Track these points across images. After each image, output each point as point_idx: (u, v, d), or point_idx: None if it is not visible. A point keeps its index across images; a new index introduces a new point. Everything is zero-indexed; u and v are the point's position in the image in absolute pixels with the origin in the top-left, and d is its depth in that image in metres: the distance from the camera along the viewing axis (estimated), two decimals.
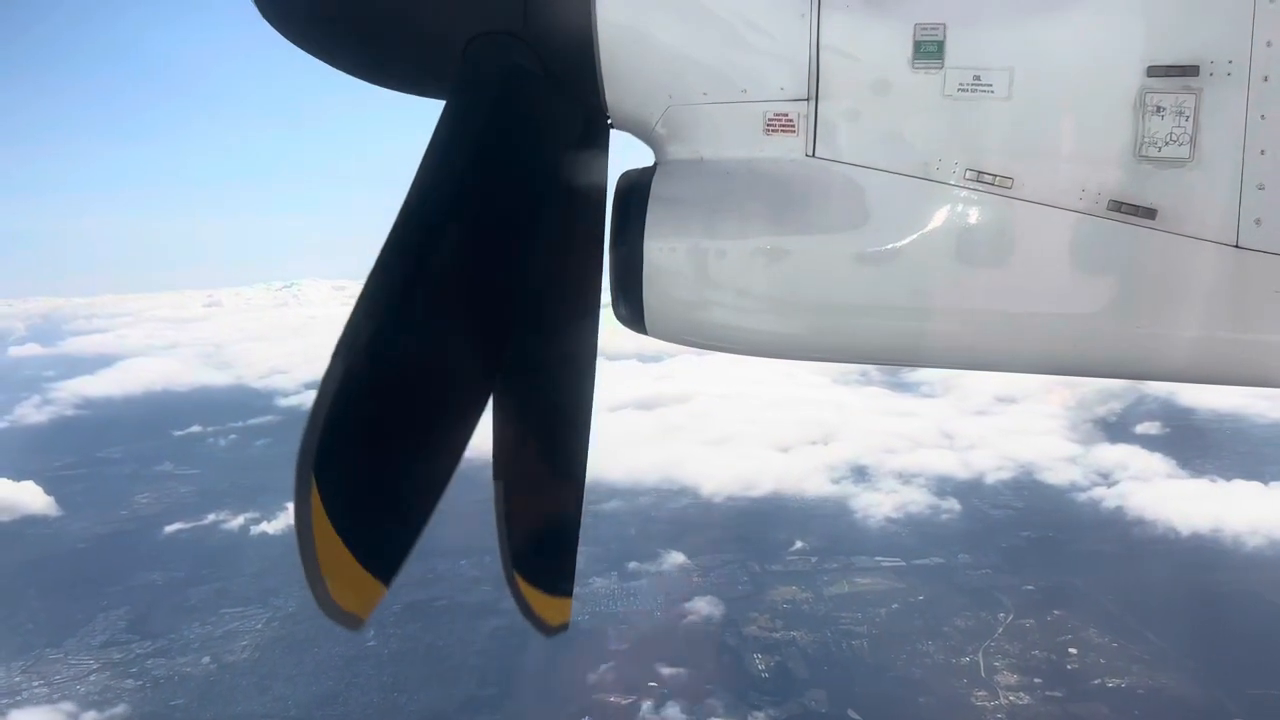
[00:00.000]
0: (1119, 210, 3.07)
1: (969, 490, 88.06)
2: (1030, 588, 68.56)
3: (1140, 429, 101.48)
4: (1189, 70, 2.96)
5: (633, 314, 3.46)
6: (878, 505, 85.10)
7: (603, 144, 3.58)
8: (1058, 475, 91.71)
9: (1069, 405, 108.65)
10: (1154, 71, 2.98)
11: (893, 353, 3.50)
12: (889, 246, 3.22)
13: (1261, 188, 2.98)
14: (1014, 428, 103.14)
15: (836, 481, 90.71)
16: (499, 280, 3.17)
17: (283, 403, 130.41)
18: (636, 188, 3.42)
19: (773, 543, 77.21)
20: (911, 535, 79.24)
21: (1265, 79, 2.93)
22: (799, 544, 76.85)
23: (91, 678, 62.12)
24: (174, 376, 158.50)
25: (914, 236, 3.20)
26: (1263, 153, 2.97)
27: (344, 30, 3.53)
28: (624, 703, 56.41)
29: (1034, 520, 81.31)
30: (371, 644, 61.95)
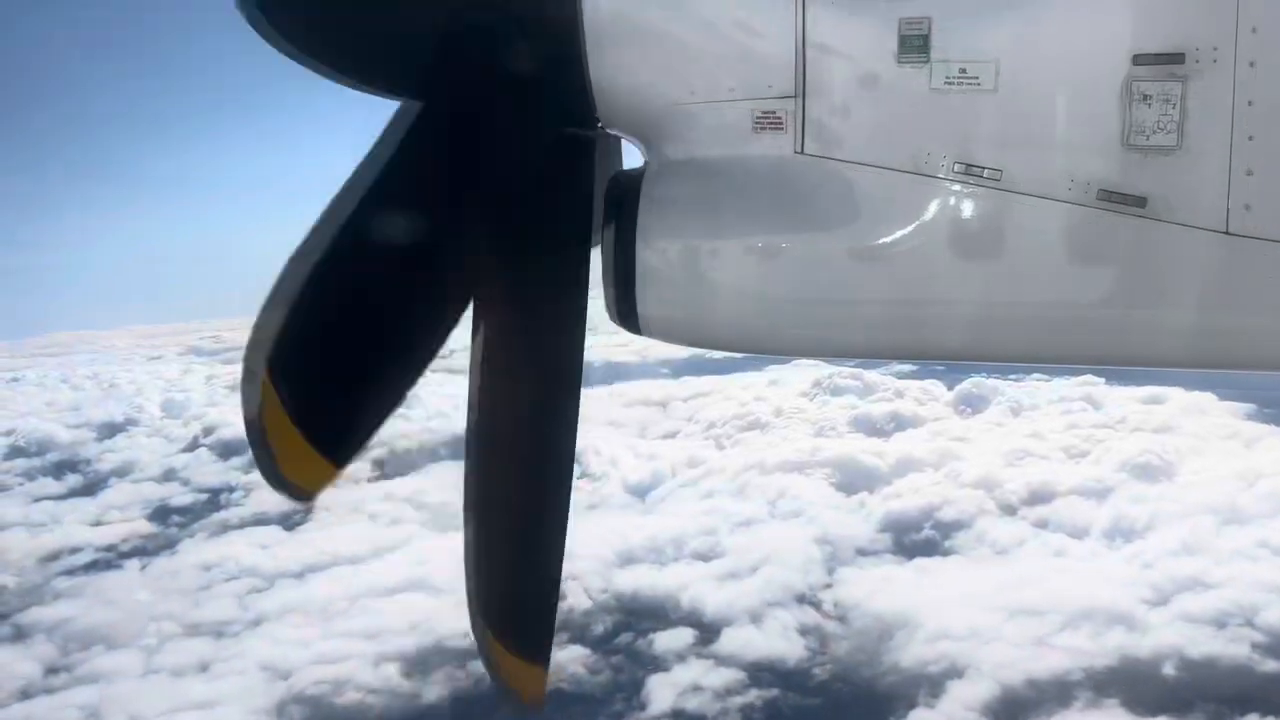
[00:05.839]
0: (1109, 199, 3.05)
1: None
2: None
3: None
4: (1175, 58, 2.94)
5: (627, 316, 3.48)
6: None
7: (592, 145, 3.58)
8: None
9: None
10: (1140, 60, 2.96)
11: (886, 347, 3.52)
12: (880, 241, 3.23)
13: (1250, 173, 2.95)
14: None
15: None
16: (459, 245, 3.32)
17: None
18: (626, 189, 3.44)
19: None
20: None
21: (1251, 64, 2.90)
22: None
23: None
24: None
25: (905, 231, 3.21)
26: (1251, 138, 2.93)
27: (324, 25, 3.50)
28: None
29: None
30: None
